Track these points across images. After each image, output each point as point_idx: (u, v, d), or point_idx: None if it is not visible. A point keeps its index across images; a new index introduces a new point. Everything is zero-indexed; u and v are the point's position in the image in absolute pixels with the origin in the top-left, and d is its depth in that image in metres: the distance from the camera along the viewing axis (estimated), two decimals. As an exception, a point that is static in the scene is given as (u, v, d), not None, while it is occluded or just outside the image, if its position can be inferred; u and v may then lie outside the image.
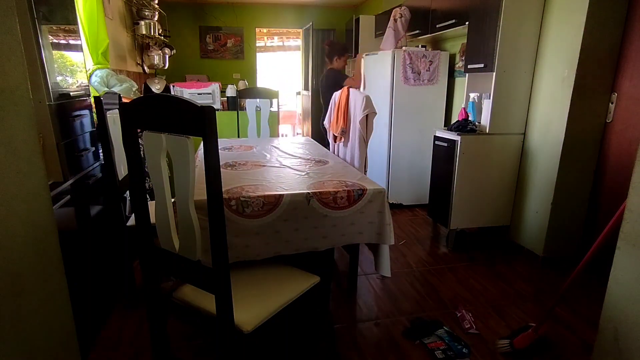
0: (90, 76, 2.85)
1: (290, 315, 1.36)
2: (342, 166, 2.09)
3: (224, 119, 3.91)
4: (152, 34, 4.32)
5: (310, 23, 5.96)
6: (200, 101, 2.12)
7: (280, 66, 8.81)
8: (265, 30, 7.65)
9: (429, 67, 3.47)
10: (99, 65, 2.95)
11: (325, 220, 1.62)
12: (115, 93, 2.09)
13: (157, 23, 4.44)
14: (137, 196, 1.18)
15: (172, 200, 1.16)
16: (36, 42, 1.43)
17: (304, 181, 1.75)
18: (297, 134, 7.88)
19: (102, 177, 1.97)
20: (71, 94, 1.72)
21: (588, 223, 2.54)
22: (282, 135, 6.97)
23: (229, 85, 4.23)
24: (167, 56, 4.82)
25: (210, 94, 4.07)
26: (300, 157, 2.26)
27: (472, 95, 2.85)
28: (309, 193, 1.58)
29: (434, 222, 3.17)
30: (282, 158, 2.24)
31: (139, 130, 1.15)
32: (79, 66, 1.92)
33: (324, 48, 3.76)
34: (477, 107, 2.87)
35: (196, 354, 1.73)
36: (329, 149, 2.59)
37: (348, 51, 3.77)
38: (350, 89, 2.55)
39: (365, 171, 2.36)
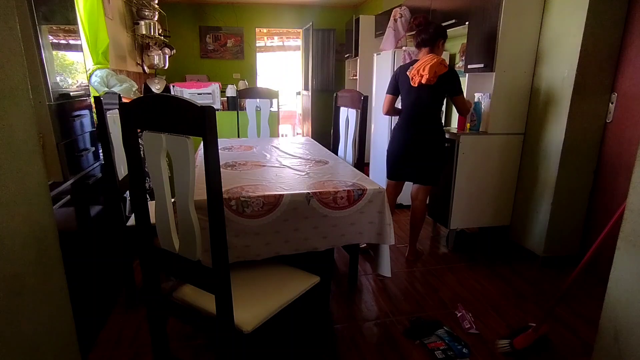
0: (90, 76, 2.85)
1: (290, 315, 1.36)
2: (342, 166, 2.09)
3: (224, 119, 3.91)
4: (152, 34, 4.32)
5: (310, 23, 5.96)
6: (200, 101, 2.12)
7: (280, 66, 8.81)
8: (265, 30, 7.65)
9: (429, 67, 3.46)
10: (99, 65, 2.95)
11: (325, 220, 1.62)
12: (115, 93, 2.09)
13: (157, 23, 4.44)
14: (137, 196, 1.18)
15: (172, 200, 1.16)
16: (36, 42, 1.43)
17: (304, 181, 1.75)
18: (297, 134, 7.88)
19: (102, 177, 1.97)
20: (71, 94, 1.72)
21: (588, 223, 2.54)
22: (282, 135, 6.97)
23: (229, 85, 4.24)
24: (167, 56, 4.82)
25: (210, 94, 4.07)
26: (300, 157, 2.26)
27: (477, 95, 2.84)
28: (309, 193, 1.58)
29: (434, 222, 3.17)
30: (282, 158, 2.24)
31: (139, 130, 1.15)
32: (79, 66, 1.92)
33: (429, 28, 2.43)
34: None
35: (196, 354, 1.73)
36: (331, 149, 2.58)
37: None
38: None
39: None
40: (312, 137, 4.04)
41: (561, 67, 2.40)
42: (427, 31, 2.40)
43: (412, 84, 2.38)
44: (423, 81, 2.29)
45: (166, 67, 4.88)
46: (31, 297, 1.04)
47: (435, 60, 2.29)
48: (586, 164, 2.46)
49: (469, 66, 2.83)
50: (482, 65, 2.68)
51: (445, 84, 2.33)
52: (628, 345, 1.22)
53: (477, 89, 2.88)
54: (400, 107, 2.57)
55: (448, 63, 2.52)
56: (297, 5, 6.30)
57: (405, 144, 2.49)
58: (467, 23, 2.85)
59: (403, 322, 1.96)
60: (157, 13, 4.41)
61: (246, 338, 1.19)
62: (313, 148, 2.59)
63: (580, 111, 2.36)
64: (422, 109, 2.42)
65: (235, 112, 3.52)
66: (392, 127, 2.65)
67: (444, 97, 2.44)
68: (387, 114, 2.62)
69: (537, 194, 2.64)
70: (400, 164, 2.55)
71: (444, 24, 3.18)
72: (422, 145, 2.44)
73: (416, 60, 2.42)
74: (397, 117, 2.60)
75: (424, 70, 2.28)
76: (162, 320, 1.36)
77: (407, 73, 2.40)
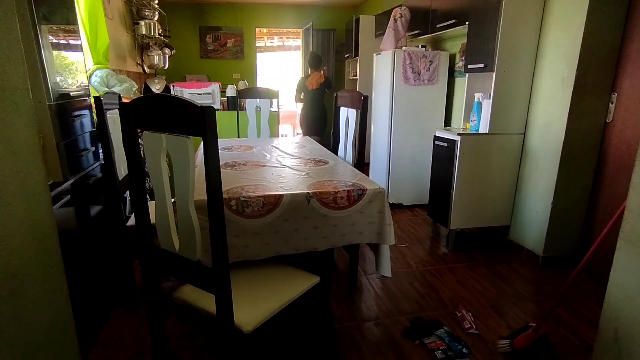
0: (90, 76, 2.85)
1: (291, 315, 1.36)
2: (342, 166, 2.09)
3: (224, 119, 3.91)
4: (152, 34, 4.32)
5: (310, 23, 5.96)
6: (200, 101, 2.11)
7: (280, 66, 8.80)
8: (265, 30, 7.65)
9: (429, 67, 3.47)
10: (99, 65, 2.95)
11: (325, 220, 1.62)
12: (115, 93, 2.09)
13: (157, 23, 4.44)
14: (137, 196, 1.18)
15: (172, 200, 1.16)
16: (36, 42, 1.43)
17: (304, 181, 1.75)
18: (297, 134, 7.87)
19: (102, 177, 1.97)
20: (71, 94, 1.72)
21: (588, 223, 2.54)
22: (282, 135, 6.97)
23: (229, 85, 4.24)
24: (167, 56, 4.82)
25: (210, 94, 4.07)
26: (300, 157, 2.26)
27: (477, 95, 2.83)
28: (308, 193, 1.58)
29: (434, 222, 3.17)
30: (282, 158, 2.24)
31: (139, 130, 1.15)
32: (79, 66, 1.92)
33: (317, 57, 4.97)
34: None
35: (196, 354, 1.73)
36: (331, 149, 2.59)
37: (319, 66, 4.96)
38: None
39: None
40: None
41: (561, 67, 2.40)
42: (322, 61, 5.04)
43: (309, 88, 4.84)
44: (314, 87, 4.79)
45: (166, 67, 4.88)
46: (31, 297, 1.04)
47: (318, 75, 4.77)
48: (586, 164, 2.46)
49: (469, 66, 2.83)
50: (482, 65, 2.68)
51: (324, 85, 4.82)
52: (628, 345, 1.22)
53: (477, 89, 2.88)
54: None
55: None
56: (297, 5, 6.30)
57: (310, 118, 5.01)
58: (467, 23, 2.85)
59: (403, 322, 1.97)
60: (157, 13, 4.41)
61: (246, 338, 1.19)
62: (313, 148, 2.59)
63: (580, 111, 2.36)
64: (315, 98, 4.90)
65: (235, 112, 3.52)
66: (301, 109, 5.14)
67: (324, 91, 4.88)
68: (297, 102, 5.17)
69: (537, 194, 2.64)
70: (309, 127, 5.04)
71: (443, 24, 3.19)
72: (318, 118, 4.99)
73: (308, 75, 4.90)
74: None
75: (313, 81, 4.78)
76: (162, 320, 1.36)
77: (306, 83, 4.87)
